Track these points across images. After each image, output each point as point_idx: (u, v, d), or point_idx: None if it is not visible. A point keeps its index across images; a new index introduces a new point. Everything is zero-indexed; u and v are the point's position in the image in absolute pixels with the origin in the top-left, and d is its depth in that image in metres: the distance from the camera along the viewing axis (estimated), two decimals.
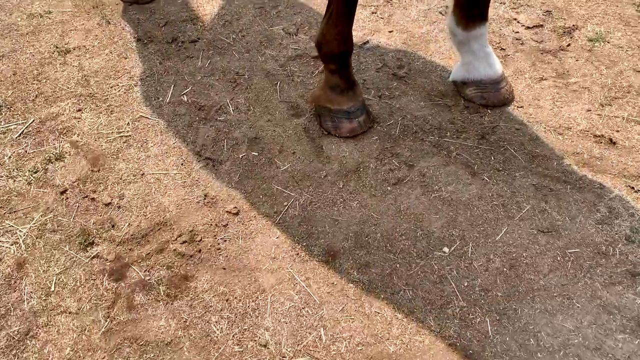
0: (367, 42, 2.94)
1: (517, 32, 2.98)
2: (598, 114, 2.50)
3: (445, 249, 2.04)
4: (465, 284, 1.96)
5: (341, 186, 2.27)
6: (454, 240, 2.07)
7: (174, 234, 2.13)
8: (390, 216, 2.16)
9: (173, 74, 2.80)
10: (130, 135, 2.51)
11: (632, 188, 2.20)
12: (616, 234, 2.05)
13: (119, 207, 2.23)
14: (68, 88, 2.74)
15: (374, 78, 2.74)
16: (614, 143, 2.37)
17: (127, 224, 2.18)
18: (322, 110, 2.48)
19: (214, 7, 3.23)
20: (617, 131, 2.42)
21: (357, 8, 3.21)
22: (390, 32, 3.00)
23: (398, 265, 2.03)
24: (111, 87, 2.73)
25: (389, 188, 2.25)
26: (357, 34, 3.01)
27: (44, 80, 2.78)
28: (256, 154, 2.41)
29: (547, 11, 3.11)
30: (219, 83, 2.75)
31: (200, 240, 2.12)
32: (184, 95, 2.69)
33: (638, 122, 2.45)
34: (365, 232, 2.11)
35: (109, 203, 2.24)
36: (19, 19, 3.16)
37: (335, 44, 2.31)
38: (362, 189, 2.26)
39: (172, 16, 3.17)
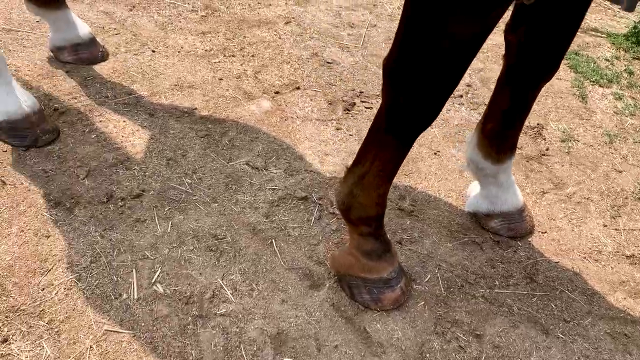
0: None
1: None
2: (615, 229, 2.42)
3: None
4: None
5: None
6: None
7: None
8: None
9: (127, 251, 2.06)
10: None
11: None
12: None
13: None
14: None
15: None
16: None
17: None
18: (353, 280, 1.99)
19: (143, 139, 2.53)
20: None
21: (316, 123, 2.80)
22: None
23: None
24: (41, 290, 1.90)
25: None
26: (333, 159, 2.58)
27: None
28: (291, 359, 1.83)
29: None
30: (197, 255, 2.09)
31: None
32: (157, 284, 1.98)
33: None
34: None
35: None
36: None
37: (374, 207, 1.86)
38: None
39: (93, 160, 2.39)
